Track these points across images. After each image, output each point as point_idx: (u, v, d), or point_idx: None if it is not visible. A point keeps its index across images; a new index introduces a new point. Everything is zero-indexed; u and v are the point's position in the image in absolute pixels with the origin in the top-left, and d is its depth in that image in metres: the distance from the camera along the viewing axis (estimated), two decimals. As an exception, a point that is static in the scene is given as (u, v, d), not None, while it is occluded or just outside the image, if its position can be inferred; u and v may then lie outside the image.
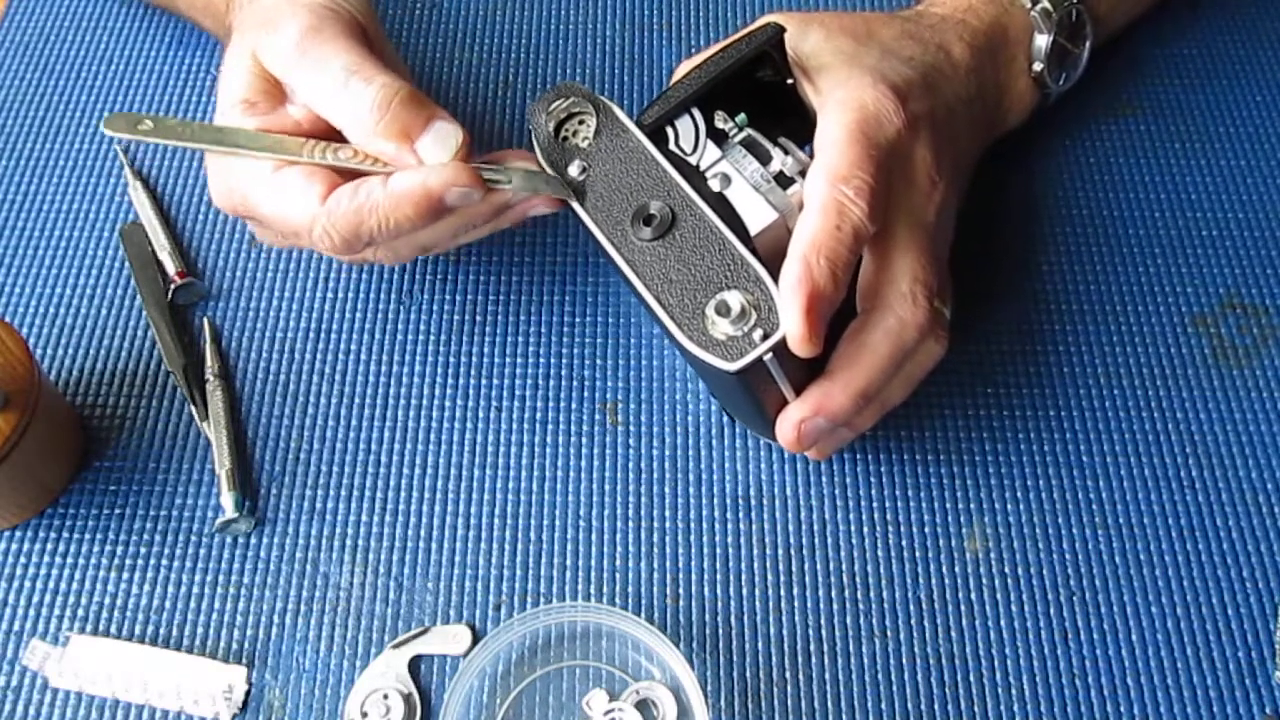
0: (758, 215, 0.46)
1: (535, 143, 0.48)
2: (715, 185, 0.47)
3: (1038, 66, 0.56)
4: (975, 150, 0.56)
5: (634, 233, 0.45)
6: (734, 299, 0.43)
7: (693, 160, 0.48)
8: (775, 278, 0.43)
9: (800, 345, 0.42)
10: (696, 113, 0.48)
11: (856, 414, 0.47)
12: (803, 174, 0.46)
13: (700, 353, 0.43)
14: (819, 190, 0.45)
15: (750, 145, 0.47)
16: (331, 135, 0.47)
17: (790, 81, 0.49)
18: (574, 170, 0.47)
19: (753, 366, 0.42)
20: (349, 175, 0.46)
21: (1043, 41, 0.56)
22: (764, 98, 0.49)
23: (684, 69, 0.50)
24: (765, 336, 0.42)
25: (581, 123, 0.48)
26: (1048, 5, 0.56)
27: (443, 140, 0.46)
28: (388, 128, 0.45)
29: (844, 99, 0.47)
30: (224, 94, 0.48)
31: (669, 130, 0.48)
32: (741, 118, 0.48)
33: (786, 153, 0.47)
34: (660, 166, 0.46)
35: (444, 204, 0.45)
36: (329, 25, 0.47)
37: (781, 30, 0.48)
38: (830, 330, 0.44)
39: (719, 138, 0.48)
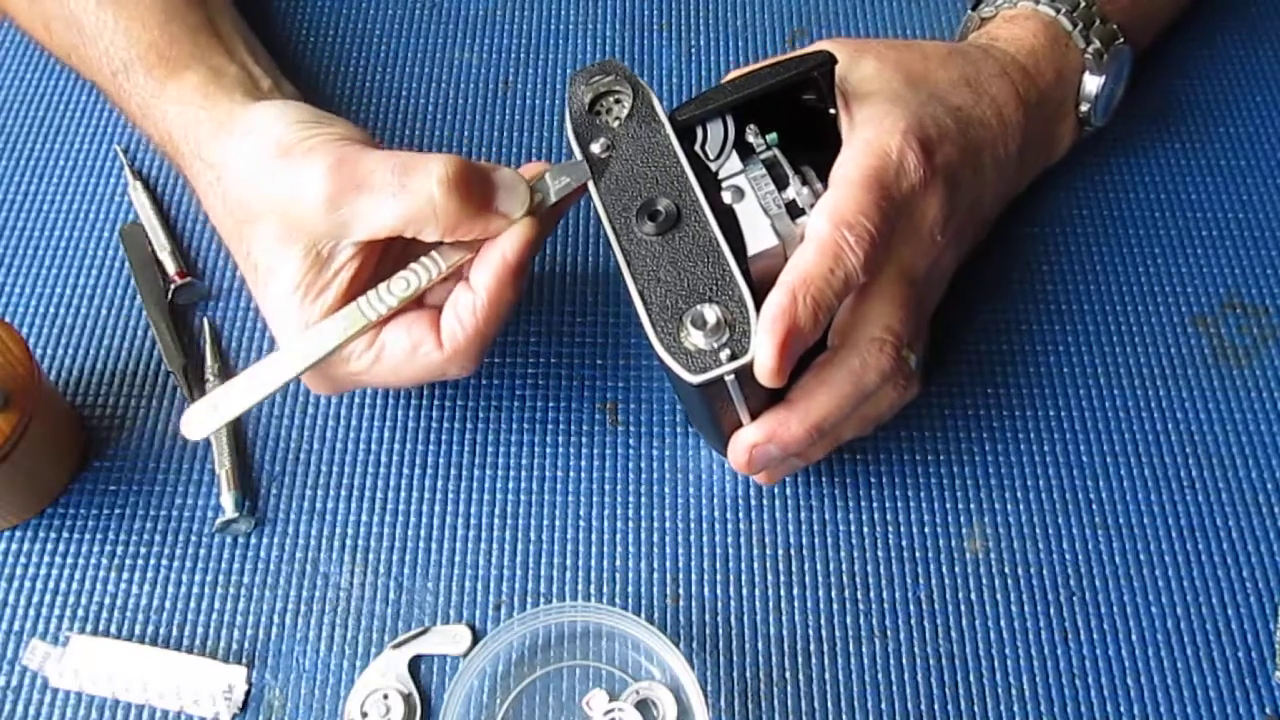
0: (759, 237, 0.46)
1: (568, 111, 0.48)
2: (727, 197, 0.46)
3: (1085, 108, 0.56)
4: (1002, 202, 0.55)
5: (637, 224, 0.45)
6: (711, 313, 0.43)
7: (713, 167, 0.47)
8: (759, 303, 0.43)
9: (767, 377, 0.42)
10: (730, 120, 0.48)
11: (809, 445, 0.47)
12: (812, 205, 0.46)
13: (666, 357, 0.43)
14: (821, 228, 0.44)
15: (771, 166, 0.47)
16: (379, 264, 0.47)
17: (833, 111, 0.49)
18: (596, 147, 0.47)
19: (714, 383, 0.42)
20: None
21: (1093, 85, 0.55)
22: (803, 123, 0.49)
23: (733, 76, 0.49)
24: (733, 357, 0.42)
25: (617, 101, 0.48)
26: (1100, 45, 0.55)
27: (512, 190, 0.45)
28: (463, 208, 0.44)
29: (870, 140, 0.47)
30: (275, 289, 0.46)
31: (699, 130, 0.48)
32: (772, 137, 0.47)
33: (805, 183, 0.47)
34: (679, 164, 0.46)
35: (525, 263, 0.45)
36: (323, 147, 0.45)
37: (833, 60, 0.48)
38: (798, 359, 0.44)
39: (745, 151, 0.47)
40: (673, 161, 0.46)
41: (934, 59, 0.52)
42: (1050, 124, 0.56)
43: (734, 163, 0.47)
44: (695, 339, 0.43)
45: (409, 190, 0.43)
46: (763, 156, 0.47)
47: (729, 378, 0.43)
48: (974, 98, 0.52)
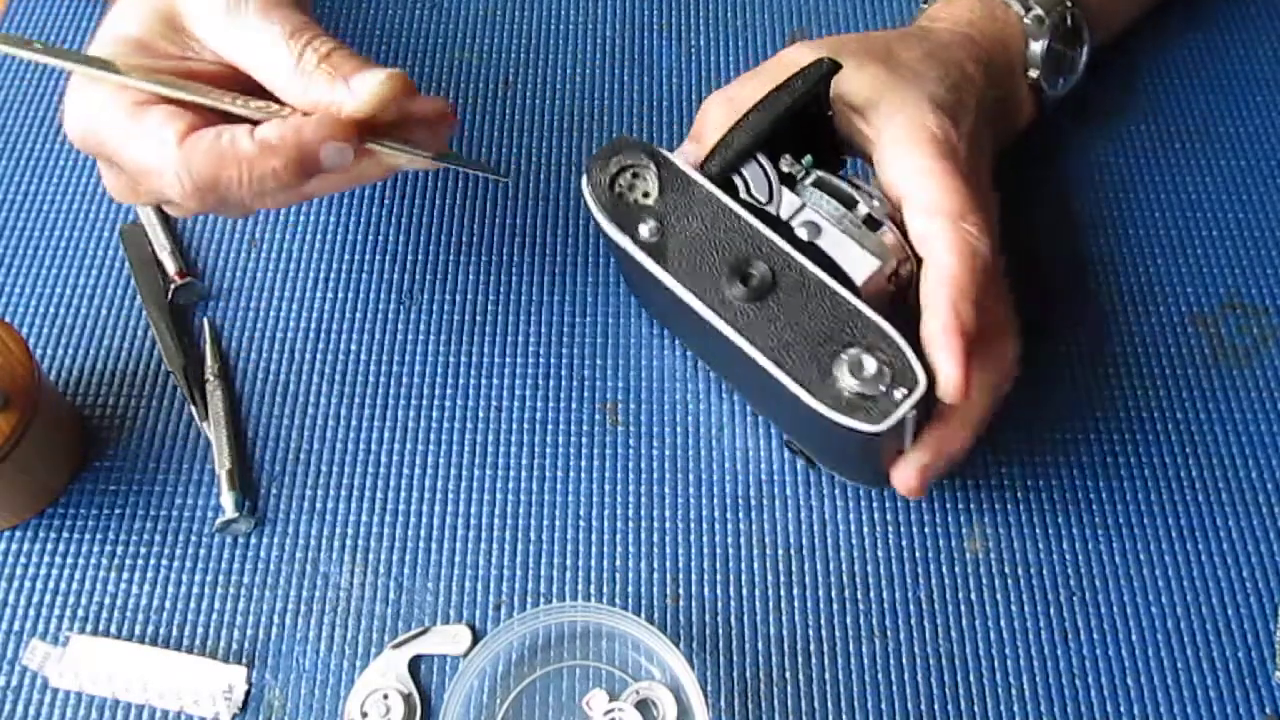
0: (859, 265, 0.44)
1: (594, 203, 0.45)
2: (804, 234, 0.45)
3: (1033, 73, 0.56)
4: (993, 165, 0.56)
5: (729, 292, 0.43)
6: (867, 359, 0.41)
7: (771, 209, 0.45)
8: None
9: (955, 394, 0.41)
10: (763, 158, 0.46)
11: (970, 439, 0.47)
12: (889, 216, 0.45)
13: (837, 417, 0.41)
14: (943, 231, 0.44)
15: (824, 186, 0.46)
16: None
17: (830, 113, 0.49)
18: (645, 231, 0.44)
19: (895, 426, 0.41)
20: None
21: (1038, 48, 0.55)
22: (794, 130, 0.48)
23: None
24: (908, 394, 0.41)
25: (635, 176, 0.46)
26: (1040, 11, 0.55)
27: (374, 76, 0.43)
28: (316, 68, 0.43)
29: (909, 133, 0.46)
30: (109, 29, 0.45)
31: (737, 180, 0.46)
32: (808, 160, 0.46)
33: (858, 189, 0.46)
34: (744, 221, 0.44)
35: (318, 162, 0.42)
36: None
37: (837, 66, 0.47)
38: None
39: (788, 182, 0.46)
40: (734, 220, 0.44)
41: (894, 42, 0.52)
42: (1005, 89, 0.55)
43: (790, 198, 0.46)
44: (855, 387, 0.41)
45: (285, 43, 0.43)
46: (811, 181, 0.46)
47: (910, 414, 0.41)
48: (942, 68, 0.52)
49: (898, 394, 0.41)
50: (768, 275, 0.43)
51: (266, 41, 0.44)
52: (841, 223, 0.45)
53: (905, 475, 0.46)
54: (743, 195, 0.46)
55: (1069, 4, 0.56)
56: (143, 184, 0.45)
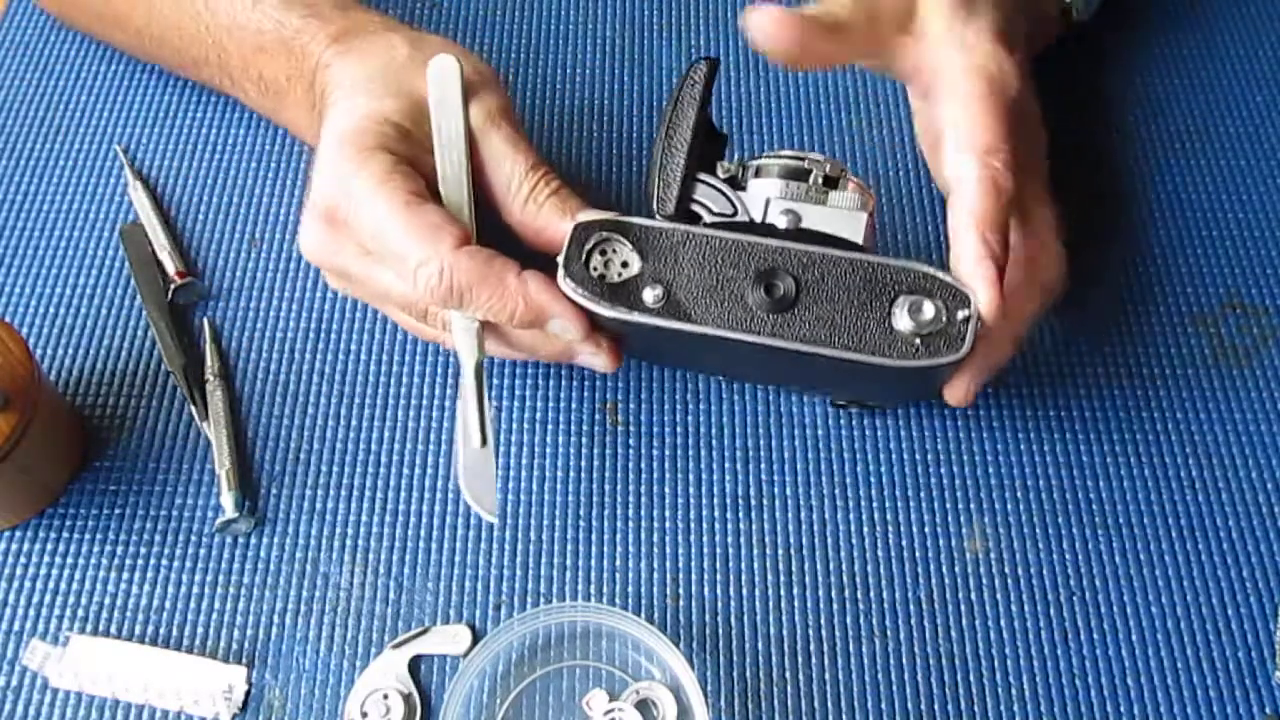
0: (851, 224, 0.46)
1: (587, 298, 0.45)
2: (786, 223, 0.45)
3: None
4: None
5: (762, 311, 0.44)
6: (918, 301, 0.43)
7: (743, 218, 0.46)
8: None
9: (994, 315, 0.44)
10: (704, 175, 0.47)
11: (1012, 345, 0.49)
12: (830, 164, 0.47)
13: (923, 363, 0.43)
14: (971, 166, 0.46)
15: (769, 172, 0.46)
16: None
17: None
18: (650, 299, 0.44)
19: (972, 343, 0.43)
20: None
21: None
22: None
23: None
24: (967, 313, 0.43)
25: (604, 254, 0.46)
26: None
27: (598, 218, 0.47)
28: (547, 200, 0.48)
29: (967, 65, 0.48)
30: (371, 109, 0.48)
31: (696, 208, 0.46)
32: (737, 158, 0.47)
33: (797, 158, 0.46)
34: (733, 241, 0.45)
35: (542, 323, 0.46)
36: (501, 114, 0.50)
37: (716, 62, 0.48)
38: None
39: (734, 185, 0.47)
40: (724, 245, 0.45)
41: None
42: (1041, 9, 0.57)
43: (749, 198, 0.46)
44: (924, 329, 0.43)
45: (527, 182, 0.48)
46: (754, 174, 0.47)
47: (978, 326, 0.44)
48: None
49: (960, 315, 0.44)
50: (787, 278, 0.44)
51: (508, 166, 0.48)
52: (810, 196, 0.46)
53: (958, 391, 0.48)
54: (710, 220, 0.46)
55: None
56: (370, 273, 0.48)
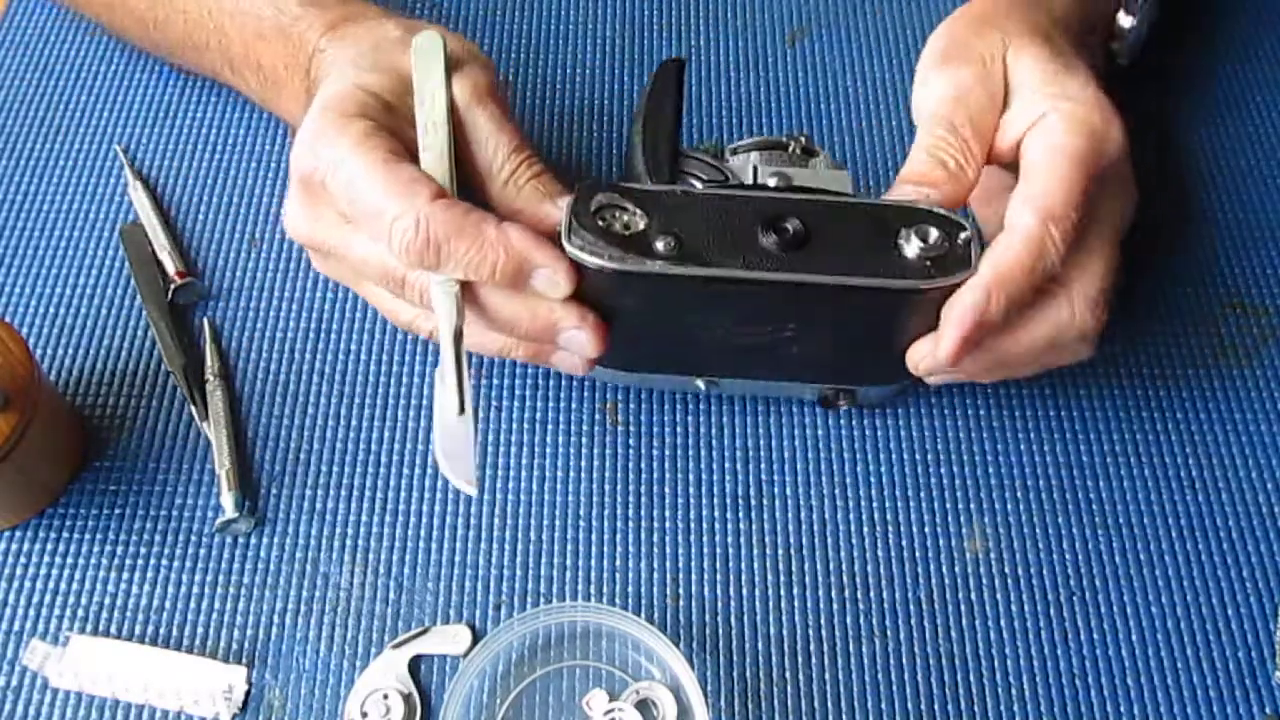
0: (839, 183, 0.47)
1: (598, 254, 0.44)
2: (774, 182, 0.46)
3: (1115, 45, 0.55)
4: None
5: (775, 251, 0.44)
6: (922, 230, 0.44)
7: (735, 183, 0.47)
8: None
9: (945, 364, 0.43)
10: (692, 151, 0.48)
11: (983, 372, 0.48)
12: (814, 145, 0.48)
13: (940, 283, 0.43)
14: (1026, 221, 0.43)
15: (747, 149, 0.47)
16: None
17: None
18: (662, 247, 0.43)
19: (977, 260, 0.44)
20: None
21: (1127, 22, 0.55)
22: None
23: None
24: (968, 235, 0.44)
25: (611, 216, 0.45)
26: None
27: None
28: (528, 183, 0.47)
29: (1070, 114, 0.45)
30: (353, 80, 0.47)
31: (686, 179, 0.47)
32: (714, 139, 0.49)
33: (782, 140, 0.48)
34: (737, 195, 0.45)
35: (527, 279, 0.44)
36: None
37: (683, 64, 0.49)
38: None
39: (722, 161, 0.48)
40: (728, 199, 0.45)
41: (1033, 8, 0.50)
42: (1086, 52, 0.54)
43: (737, 169, 0.47)
44: (931, 252, 0.44)
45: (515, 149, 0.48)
46: (734, 148, 0.48)
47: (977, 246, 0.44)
48: (1076, 37, 0.51)
49: (961, 238, 0.44)
50: (795, 220, 0.44)
51: (491, 146, 0.47)
52: (793, 163, 0.47)
53: (917, 355, 0.46)
54: (704, 188, 0.47)
55: None
56: (363, 228, 0.46)
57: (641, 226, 0.44)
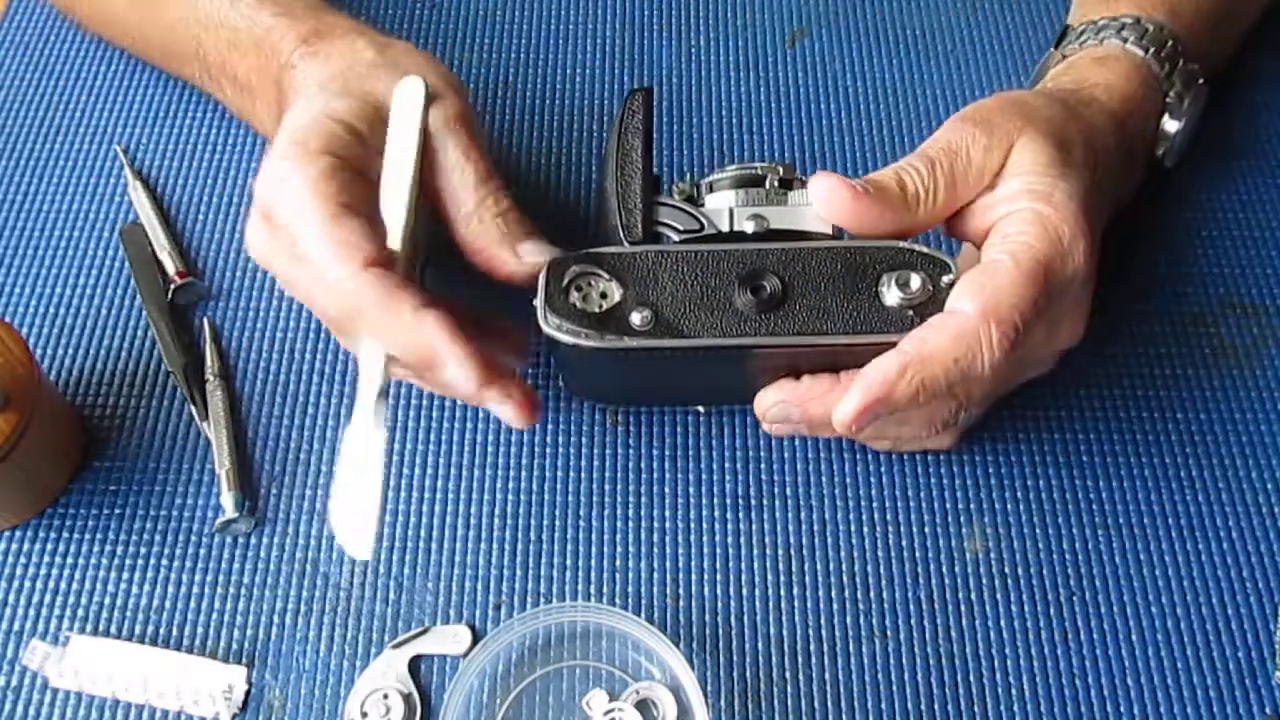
0: (817, 220, 0.46)
1: (572, 334, 0.44)
2: (749, 227, 0.46)
3: (1160, 150, 0.54)
4: None
5: (753, 314, 0.44)
6: (903, 275, 0.44)
7: (711, 231, 0.46)
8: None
9: (841, 427, 0.43)
10: (664, 198, 0.47)
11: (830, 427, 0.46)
12: (793, 174, 0.47)
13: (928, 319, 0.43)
14: (963, 317, 0.42)
15: (723, 185, 0.47)
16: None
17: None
18: (638, 321, 0.43)
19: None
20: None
21: (1173, 127, 0.54)
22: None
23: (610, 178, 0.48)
24: (950, 278, 0.44)
25: (580, 288, 0.45)
26: (1180, 88, 0.53)
27: (541, 251, 0.46)
28: (492, 220, 0.46)
29: (1046, 219, 0.44)
30: (321, 108, 0.46)
31: (661, 230, 0.46)
32: (688, 177, 0.48)
33: (746, 169, 0.47)
34: (710, 252, 0.45)
35: (434, 366, 0.44)
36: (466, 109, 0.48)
37: (651, 91, 0.49)
38: None
39: (692, 203, 0.47)
40: (701, 258, 0.44)
41: (1063, 119, 0.48)
42: (1133, 169, 0.53)
43: (713, 213, 0.46)
44: (913, 299, 0.44)
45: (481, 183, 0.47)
46: (707, 190, 0.47)
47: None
48: (1094, 154, 0.48)
49: (944, 281, 0.44)
50: (771, 277, 0.44)
51: (458, 176, 0.47)
52: (770, 199, 0.46)
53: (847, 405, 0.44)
54: (679, 239, 0.46)
55: (1201, 82, 0.54)
56: (290, 271, 0.46)
57: (617, 298, 0.44)
